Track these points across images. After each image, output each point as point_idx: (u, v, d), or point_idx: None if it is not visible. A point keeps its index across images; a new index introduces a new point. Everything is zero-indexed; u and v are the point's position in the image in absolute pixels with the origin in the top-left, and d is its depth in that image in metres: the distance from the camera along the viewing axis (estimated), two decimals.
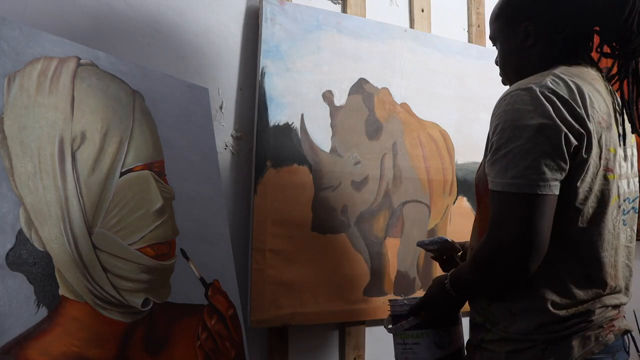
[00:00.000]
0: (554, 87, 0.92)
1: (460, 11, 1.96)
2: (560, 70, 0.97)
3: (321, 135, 1.52)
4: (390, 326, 1.18)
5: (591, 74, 1.01)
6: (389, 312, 1.22)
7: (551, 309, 0.94)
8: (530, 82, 0.94)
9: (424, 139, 1.72)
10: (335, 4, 1.66)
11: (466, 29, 1.96)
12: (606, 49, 1.04)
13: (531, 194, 0.87)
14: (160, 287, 1.15)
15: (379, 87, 1.64)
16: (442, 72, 1.75)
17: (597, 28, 1.02)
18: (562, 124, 0.89)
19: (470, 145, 1.78)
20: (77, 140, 1.06)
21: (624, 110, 1.02)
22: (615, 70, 1.04)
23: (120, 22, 1.33)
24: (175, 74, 1.36)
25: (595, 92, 0.97)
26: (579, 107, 0.91)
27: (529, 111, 0.89)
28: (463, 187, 1.77)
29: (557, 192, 0.89)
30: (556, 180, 0.89)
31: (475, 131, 1.80)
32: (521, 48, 1.05)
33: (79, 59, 1.11)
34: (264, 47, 1.45)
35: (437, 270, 1.72)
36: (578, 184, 0.92)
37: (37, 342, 0.92)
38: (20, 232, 0.94)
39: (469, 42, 1.93)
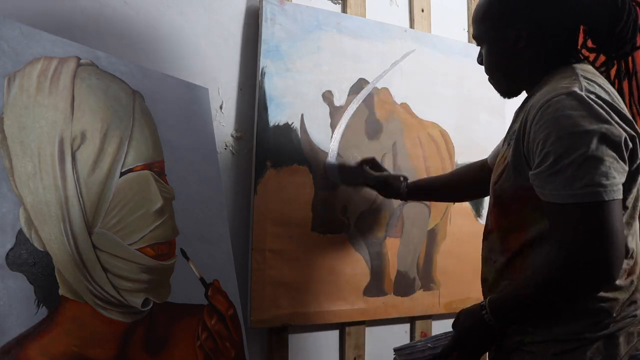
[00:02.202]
0: (594, 90, 0.90)
1: (460, 11, 1.96)
2: (579, 72, 0.95)
3: (321, 135, 1.52)
4: None
5: (592, 70, 1.00)
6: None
7: (603, 304, 0.92)
8: (567, 85, 0.91)
9: (424, 139, 1.72)
10: (335, 4, 1.66)
11: (466, 29, 1.96)
12: (590, 44, 1.04)
13: (607, 200, 0.84)
14: (160, 287, 1.15)
15: (379, 87, 1.64)
16: (442, 72, 1.75)
17: (586, 28, 1.02)
18: (618, 127, 0.87)
19: (470, 146, 1.78)
20: (77, 140, 1.06)
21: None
22: (614, 71, 1.04)
23: (120, 22, 1.33)
24: (175, 74, 1.36)
25: (612, 89, 0.96)
26: (622, 108, 0.90)
27: (583, 116, 0.86)
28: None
29: (622, 196, 0.87)
30: (621, 183, 0.87)
31: (475, 131, 1.80)
32: (512, 51, 1.03)
33: (79, 59, 1.11)
34: (264, 47, 1.45)
35: (437, 270, 1.72)
36: (633, 184, 0.92)
37: (37, 342, 0.92)
38: (20, 232, 0.94)
39: (469, 42, 1.93)
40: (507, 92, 1.11)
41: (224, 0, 1.47)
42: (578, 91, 0.88)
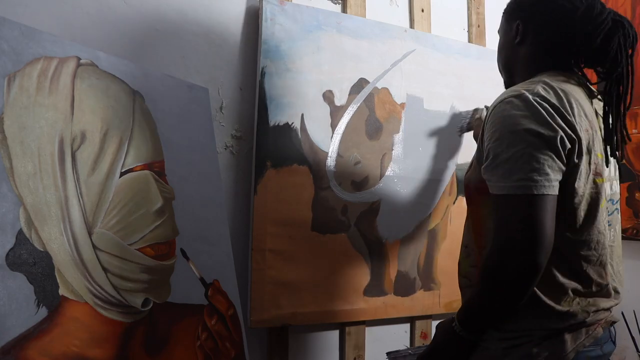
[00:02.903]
0: (544, 95, 0.95)
1: (460, 11, 1.96)
2: (548, 79, 1.01)
3: (321, 135, 1.52)
4: None
5: (572, 83, 1.04)
6: None
7: (548, 302, 0.97)
8: (521, 88, 0.97)
9: None
10: (335, 4, 1.66)
11: (466, 29, 1.96)
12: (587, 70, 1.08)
13: (537, 194, 0.90)
14: (160, 287, 1.15)
15: (379, 87, 1.64)
16: (442, 72, 1.75)
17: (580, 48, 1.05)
18: (558, 128, 0.92)
19: (471, 146, 1.78)
20: (77, 140, 1.06)
21: (605, 125, 1.05)
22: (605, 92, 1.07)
23: (120, 22, 1.33)
24: (175, 74, 1.36)
25: (581, 99, 1.01)
26: (568, 114, 0.95)
27: (525, 116, 0.93)
28: (463, 187, 1.77)
29: (557, 193, 0.92)
30: (557, 180, 0.92)
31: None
32: (511, 45, 1.12)
33: (79, 59, 1.11)
34: (264, 47, 1.45)
35: (438, 270, 1.72)
36: (571, 187, 0.96)
37: (37, 342, 0.92)
38: (20, 232, 0.94)
39: (469, 42, 1.94)
40: (505, 83, 1.19)
41: (224, 0, 1.47)
42: (526, 94, 0.95)
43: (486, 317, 0.99)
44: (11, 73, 0.98)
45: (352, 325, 1.61)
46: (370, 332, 1.66)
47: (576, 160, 0.95)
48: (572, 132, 0.94)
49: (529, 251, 0.89)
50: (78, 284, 1.00)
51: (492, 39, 1.98)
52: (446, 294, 1.74)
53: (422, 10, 1.82)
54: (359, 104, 1.59)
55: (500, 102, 0.97)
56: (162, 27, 1.39)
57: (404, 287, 1.66)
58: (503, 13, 1.16)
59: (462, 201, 1.78)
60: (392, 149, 1.64)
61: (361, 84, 1.60)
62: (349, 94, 1.58)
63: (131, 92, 1.20)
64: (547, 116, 0.92)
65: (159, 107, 1.25)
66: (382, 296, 1.61)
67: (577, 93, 1.01)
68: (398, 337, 1.74)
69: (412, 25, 1.80)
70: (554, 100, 0.95)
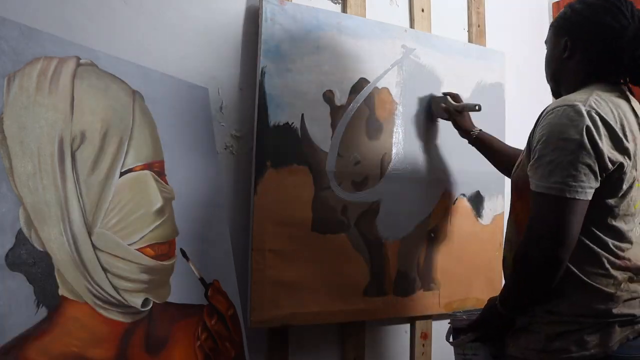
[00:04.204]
0: (596, 107, 1.04)
1: (460, 11, 1.95)
2: (599, 91, 1.09)
3: (321, 135, 1.52)
4: (451, 339, 1.31)
5: (618, 97, 1.12)
6: (450, 325, 1.33)
7: (597, 286, 1.06)
8: (576, 99, 1.06)
9: None
10: (335, 3, 1.66)
11: (466, 29, 1.96)
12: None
13: (569, 198, 1.01)
14: (160, 287, 1.15)
15: (379, 87, 1.63)
16: (442, 72, 1.75)
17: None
18: (600, 142, 1.02)
19: (470, 145, 1.78)
20: (77, 140, 1.06)
21: None
22: None
23: (120, 22, 1.33)
24: (175, 74, 1.36)
25: (627, 112, 1.10)
26: (617, 128, 1.05)
27: (574, 126, 1.02)
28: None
29: (589, 198, 1.03)
30: (591, 188, 1.03)
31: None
32: (559, 58, 1.19)
33: (79, 58, 1.11)
34: (264, 47, 1.45)
35: (437, 270, 1.72)
36: (615, 194, 1.06)
37: (37, 342, 0.92)
38: (20, 232, 0.93)
39: (469, 42, 1.93)
40: (552, 91, 1.28)
41: (224, 0, 1.47)
42: (579, 105, 1.04)
43: (517, 299, 1.13)
44: (11, 73, 0.98)
45: (352, 325, 1.61)
46: (370, 332, 1.66)
47: (622, 170, 1.05)
48: (618, 143, 1.04)
49: (551, 247, 1.02)
50: (78, 284, 1.00)
51: (493, 38, 1.98)
52: (446, 294, 1.73)
53: (422, 10, 1.82)
54: (359, 104, 1.59)
55: (555, 109, 1.06)
56: (162, 27, 1.39)
57: (404, 287, 1.66)
58: (551, 26, 1.24)
59: (463, 201, 1.78)
60: (392, 149, 1.64)
61: (361, 84, 1.60)
62: (349, 94, 1.58)
63: (131, 92, 1.20)
64: (592, 128, 1.02)
65: (159, 107, 1.25)
66: (382, 296, 1.61)
67: (623, 106, 1.10)
68: (398, 337, 1.74)
69: (412, 25, 1.80)
70: (605, 112, 1.04)
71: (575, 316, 1.07)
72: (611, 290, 1.06)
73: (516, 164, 1.22)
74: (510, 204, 1.23)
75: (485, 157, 1.63)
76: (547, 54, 1.26)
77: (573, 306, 1.07)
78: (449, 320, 1.34)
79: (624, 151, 1.05)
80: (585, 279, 1.06)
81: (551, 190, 1.02)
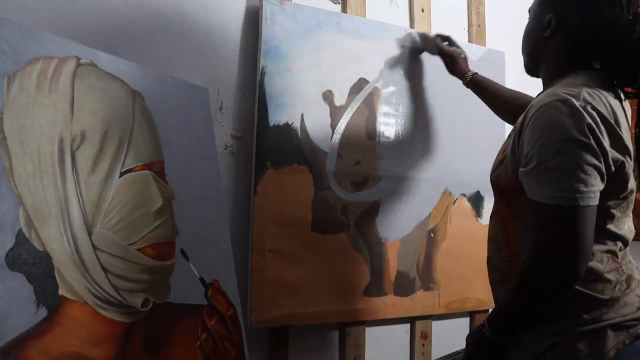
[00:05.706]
0: (590, 100, 0.95)
1: (460, 11, 1.96)
2: (589, 82, 1.00)
3: (321, 135, 1.52)
4: None
5: (604, 88, 1.02)
6: None
7: (592, 294, 0.99)
8: (565, 93, 0.96)
9: None
10: (335, 4, 1.66)
11: (466, 29, 1.96)
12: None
13: (582, 206, 0.91)
14: (160, 287, 1.15)
15: (379, 87, 1.63)
16: (442, 71, 1.75)
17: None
18: (605, 137, 0.94)
19: (470, 145, 1.78)
20: (77, 140, 1.06)
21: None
22: None
23: (120, 22, 1.33)
24: (175, 74, 1.36)
25: (616, 106, 1.01)
26: (613, 122, 0.96)
27: (573, 124, 0.92)
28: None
29: (597, 202, 0.94)
30: (599, 190, 0.94)
31: (475, 130, 1.80)
32: (540, 35, 1.10)
33: (79, 58, 1.11)
34: (264, 47, 1.45)
35: (437, 270, 1.72)
36: (617, 195, 1.00)
37: (37, 342, 0.91)
38: (20, 232, 0.93)
39: (469, 42, 1.93)
40: (527, 68, 1.19)
41: (224, 0, 1.47)
42: (572, 100, 0.94)
43: (521, 320, 1.01)
44: (11, 73, 0.98)
45: (352, 325, 1.61)
46: (370, 332, 1.66)
47: (627, 166, 0.98)
48: (619, 139, 0.96)
49: (569, 261, 0.92)
50: (78, 284, 1.00)
51: (493, 38, 1.98)
52: (446, 294, 1.74)
53: (422, 10, 1.82)
54: (359, 104, 1.59)
55: (545, 106, 0.95)
56: (162, 27, 1.39)
57: (404, 287, 1.66)
58: None
59: (463, 201, 1.78)
60: (392, 149, 1.64)
61: (361, 84, 1.60)
62: (349, 94, 1.58)
63: (131, 92, 1.20)
64: (594, 125, 0.93)
65: (159, 107, 1.25)
66: (382, 296, 1.61)
67: (611, 100, 1.01)
68: (398, 337, 1.74)
69: (412, 25, 1.80)
70: (600, 107, 0.96)
71: (564, 326, 0.99)
72: (604, 295, 0.99)
73: (496, 161, 1.11)
74: (494, 204, 1.14)
75: (483, 100, 1.56)
76: (527, 25, 1.16)
77: (562, 316, 0.99)
78: None
79: (625, 150, 0.98)
80: (577, 287, 0.97)
81: (562, 201, 0.92)
